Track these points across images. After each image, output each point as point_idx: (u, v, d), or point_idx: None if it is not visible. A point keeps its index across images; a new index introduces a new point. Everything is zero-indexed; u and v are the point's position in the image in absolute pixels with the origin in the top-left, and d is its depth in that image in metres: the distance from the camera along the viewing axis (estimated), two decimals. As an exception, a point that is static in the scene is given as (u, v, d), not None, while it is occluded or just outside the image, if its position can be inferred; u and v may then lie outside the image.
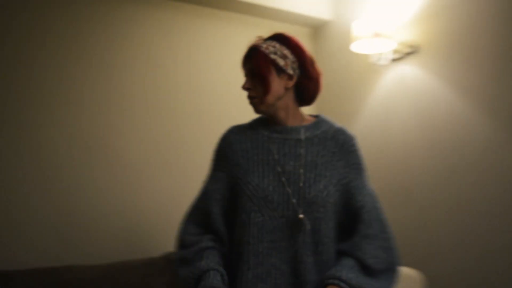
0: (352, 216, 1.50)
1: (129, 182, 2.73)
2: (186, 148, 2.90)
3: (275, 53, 1.49)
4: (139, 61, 2.83)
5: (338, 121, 1.63)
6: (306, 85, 1.52)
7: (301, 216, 1.44)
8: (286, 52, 1.50)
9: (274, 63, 1.49)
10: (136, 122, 2.78)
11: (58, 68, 2.60)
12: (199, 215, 1.57)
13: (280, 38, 1.52)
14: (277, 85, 1.50)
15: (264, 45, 1.50)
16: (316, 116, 1.60)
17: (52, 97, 2.58)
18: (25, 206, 2.46)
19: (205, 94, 3.00)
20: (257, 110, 1.53)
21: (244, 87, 1.52)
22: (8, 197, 2.44)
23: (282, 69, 1.49)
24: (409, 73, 2.78)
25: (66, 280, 2.24)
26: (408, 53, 2.77)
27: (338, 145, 1.52)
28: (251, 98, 1.52)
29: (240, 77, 1.60)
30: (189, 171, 2.86)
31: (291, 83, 1.50)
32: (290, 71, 1.49)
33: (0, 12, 2.46)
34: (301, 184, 1.46)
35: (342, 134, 1.54)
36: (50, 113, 2.57)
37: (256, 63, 1.49)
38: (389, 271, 1.46)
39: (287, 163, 1.49)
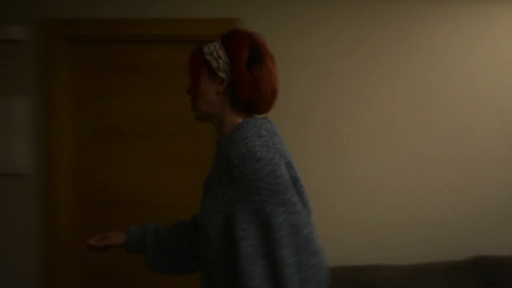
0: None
1: (432, 182, 2.76)
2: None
3: (211, 54, 1.34)
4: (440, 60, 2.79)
5: None
6: (237, 91, 1.31)
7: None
8: (221, 52, 1.33)
9: (208, 65, 1.34)
10: (435, 121, 2.78)
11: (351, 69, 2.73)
12: None
13: (225, 36, 1.36)
14: (208, 89, 1.34)
15: (208, 44, 1.37)
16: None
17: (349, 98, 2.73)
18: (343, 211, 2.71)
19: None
20: (195, 116, 1.40)
21: (187, 91, 1.41)
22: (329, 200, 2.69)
23: (214, 71, 1.33)
24: None
25: (371, 279, 2.38)
26: None
27: (225, 159, 1.24)
28: (191, 102, 1.40)
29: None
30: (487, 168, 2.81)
31: (222, 88, 1.33)
32: (222, 74, 1.32)
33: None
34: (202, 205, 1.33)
35: (233, 144, 1.25)
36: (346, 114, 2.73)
37: (189, 65, 1.37)
38: None
39: (206, 182, 1.38)
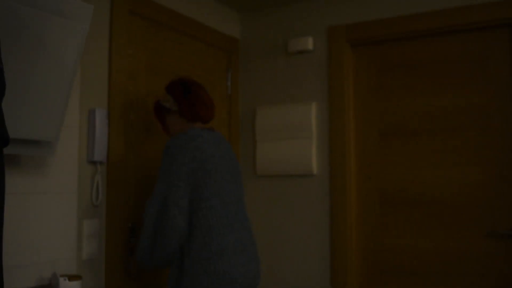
0: None
1: None
2: None
3: (163, 100, 2.12)
4: None
5: None
6: (183, 110, 2.08)
7: None
8: (168, 96, 2.11)
9: (164, 107, 2.14)
10: None
11: None
12: None
13: (167, 87, 2.14)
14: (170, 121, 2.13)
15: (161, 97, 2.16)
16: None
17: None
18: None
19: None
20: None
21: (161, 129, 2.39)
22: None
23: (168, 109, 2.12)
24: None
25: None
26: None
27: None
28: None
29: None
30: None
31: (177, 115, 2.11)
32: (173, 108, 2.09)
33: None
34: None
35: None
36: None
37: (154, 113, 2.21)
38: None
39: None
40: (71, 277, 1.75)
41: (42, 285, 1.81)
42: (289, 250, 2.87)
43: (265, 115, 2.98)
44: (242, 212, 2.04)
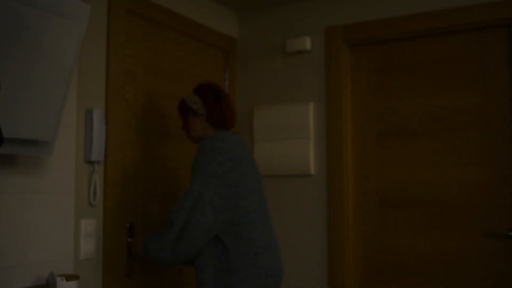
0: None
1: None
2: None
3: (191, 101, 2.14)
4: None
5: None
6: (213, 116, 2.12)
7: None
8: (196, 98, 2.14)
9: (190, 109, 2.15)
10: None
11: None
12: None
13: (195, 89, 2.17)
14: (195, 121, 2.15)
15: (188, 97, 2.16)
16: None
17: None
18: None
19: None
20: (191, 140, 2.22)
21: (181, 128, 2.28)
22: None
23: (195, 111, 2.13)
24: None
25: None
26: None
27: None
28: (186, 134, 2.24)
29: None
30: None
31: (204, 119, 2.14)
32: (201, 111, 2.12)
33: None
34: None
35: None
36: None
37: (179, 111, 2.20)
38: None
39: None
40: (68, 277, 1.74)
41: (39, 285, 1.80)
42: (286, 250, 2.86)
43: (263, 115, 2.97)
44: (268, 210, 2.15)
